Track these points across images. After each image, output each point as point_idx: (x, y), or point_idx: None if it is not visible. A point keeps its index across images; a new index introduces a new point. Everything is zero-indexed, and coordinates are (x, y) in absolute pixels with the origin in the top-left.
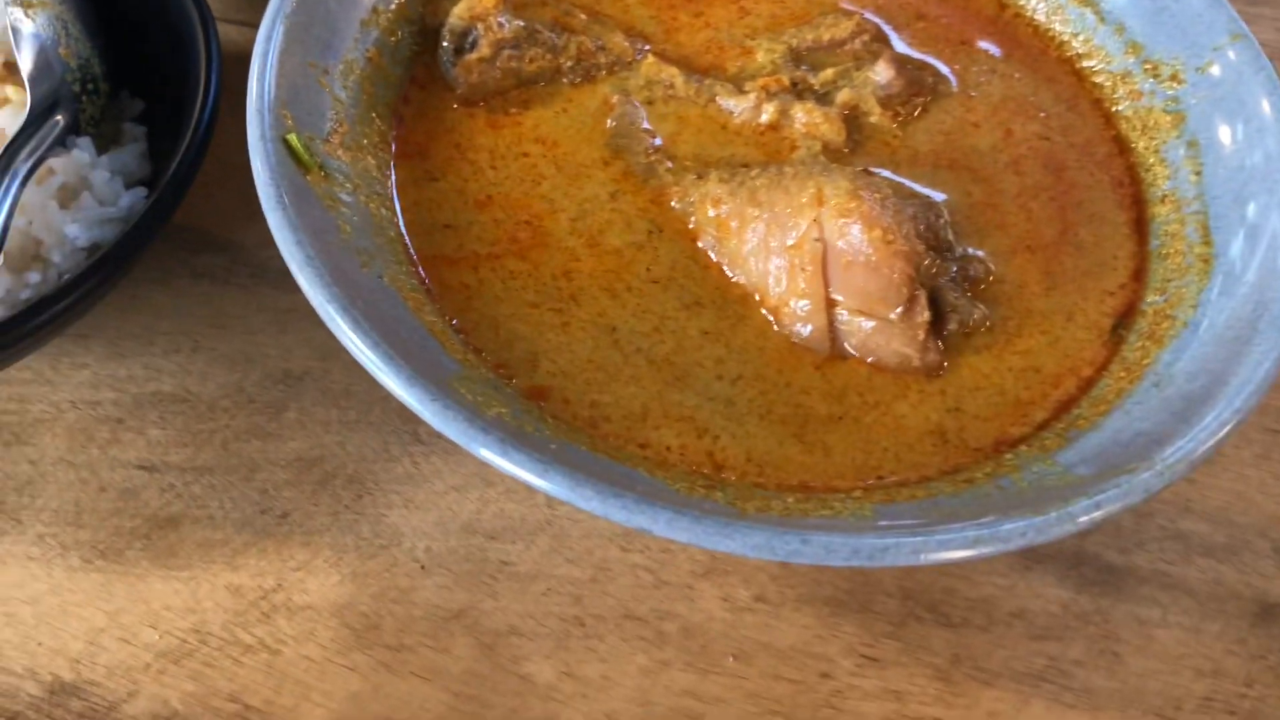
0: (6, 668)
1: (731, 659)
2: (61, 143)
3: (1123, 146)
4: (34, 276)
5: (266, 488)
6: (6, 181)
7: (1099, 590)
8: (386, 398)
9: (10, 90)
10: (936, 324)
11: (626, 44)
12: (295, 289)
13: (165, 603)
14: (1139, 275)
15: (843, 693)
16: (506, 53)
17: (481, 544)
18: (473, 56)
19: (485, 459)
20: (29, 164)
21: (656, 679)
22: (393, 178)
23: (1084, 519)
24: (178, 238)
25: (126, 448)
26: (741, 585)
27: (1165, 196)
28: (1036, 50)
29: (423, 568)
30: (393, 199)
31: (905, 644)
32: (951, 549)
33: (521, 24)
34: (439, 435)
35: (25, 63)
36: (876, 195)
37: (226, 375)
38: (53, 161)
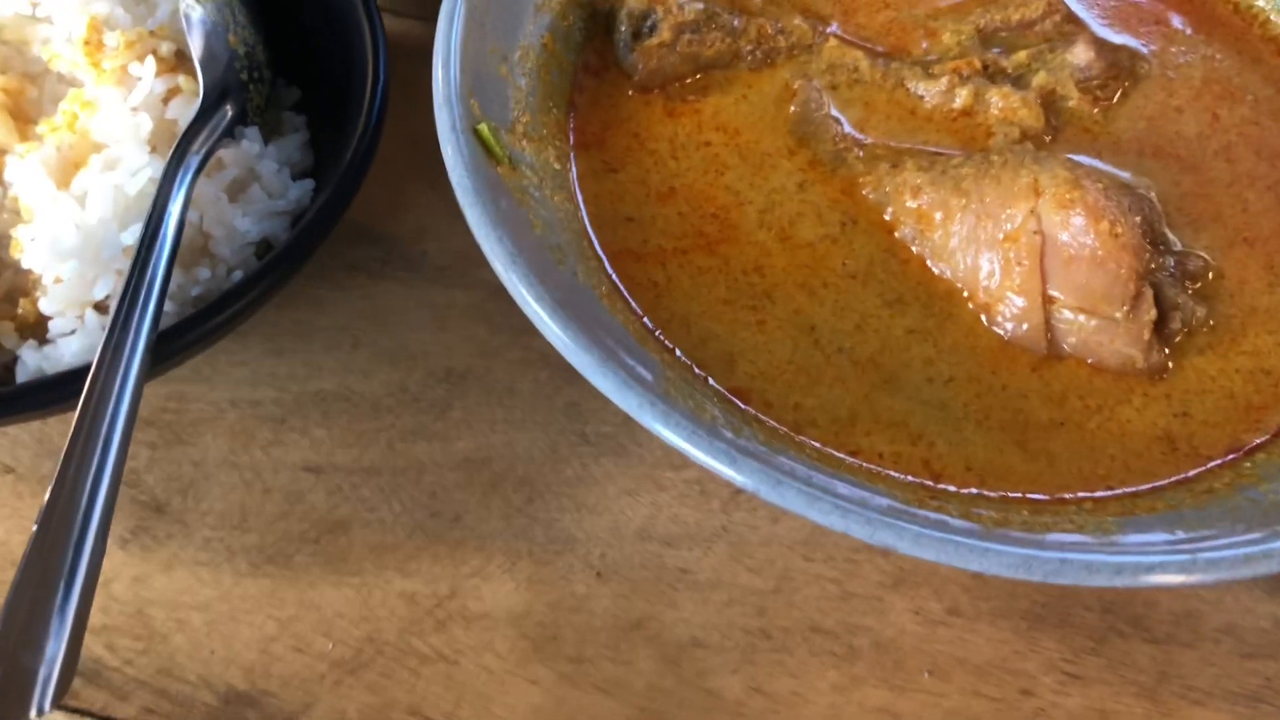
0: (180, 676)
1: (927, 675)
2: (230, 133)
3: None
4: (204, 272)
5: (436, 490)
6: (180, 174)
7: None
8: (552, 396)
9: (182, 79)
10: (1158, 324)
11: (806, 26)
12: (452, 285)
13: (337, 610)
14: None
15: (1045, 711)
16: (687, 36)
17: (658, 550)
18: (653, 41)
19: (713, 469)
20: (201, 156)
21: (849, 696)
22: (573, 169)
23: None
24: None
25: (290, 448)
26: (933, 597)
27: None
28: (1239, 29)
29: (599, 575)
30: (575, 191)
31: (1108, 660)
32: (1221, 569)
33: (701, 6)
34: (607, 436)
35: (197, 49)
36: (1099, 185)
37: (389, 373)
38: (223, 153)
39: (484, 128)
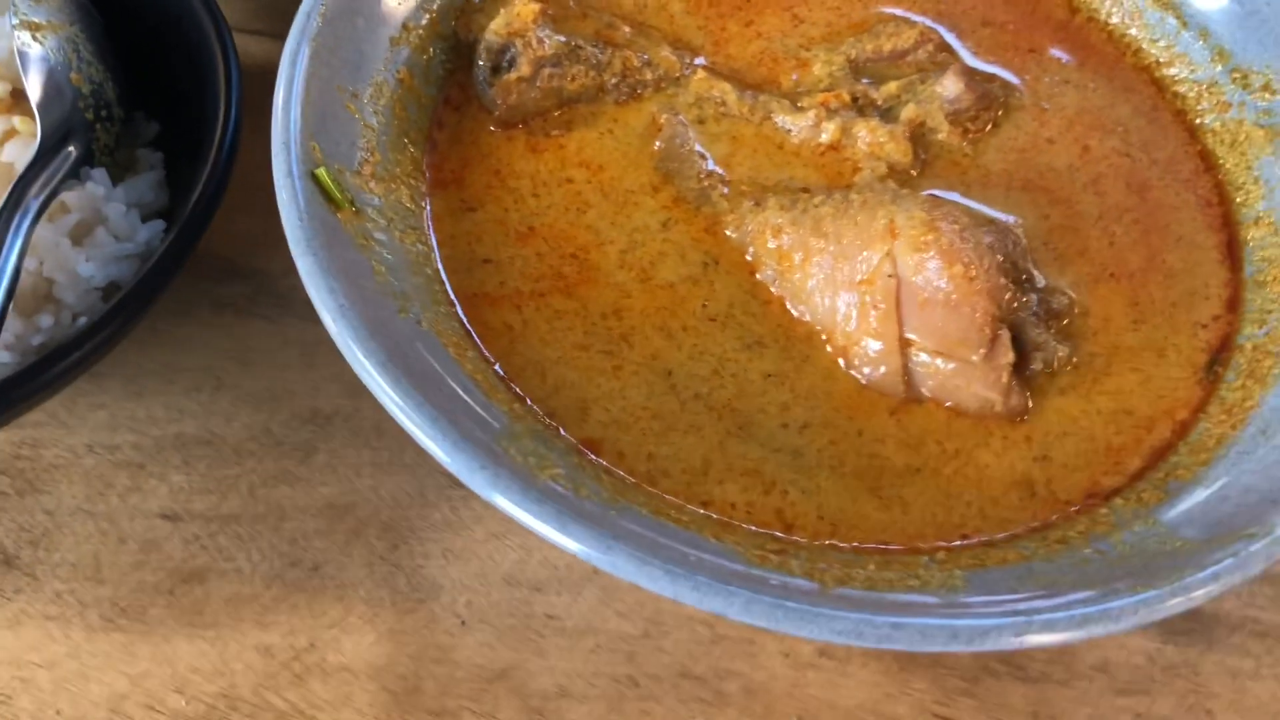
0: None
1: None
2: (74, 175)
3: (1210, 163)
4: (46, 320)
5: (296, 537)
6: (17, 219)
7: (1186, 639)
8: None
9: (18, 120)
10: (1019, 364)
11: (674, 58)
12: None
13: (192, 665)
14: (1234, 305)
15: None
16: (547, 71)
17: (526, 596)
18: (511, 76)
19: (541, 534)
20: (40, 200)
21: None
22: (428, 209)
23: (1199, 593)
24: (197, 267)
25: (148, 495)
26: (804, 640)
27: (1260, 218)
28: (1112, 58)
29: (464, 623)
30: (428, 233)
31: (981, 701)
32: (1056, 630)
33: (563, 39)
34: None
35: (34, 90)
36: (955, 226)
37: (252, 415)
38: (65, 196)
39: (322, 172)
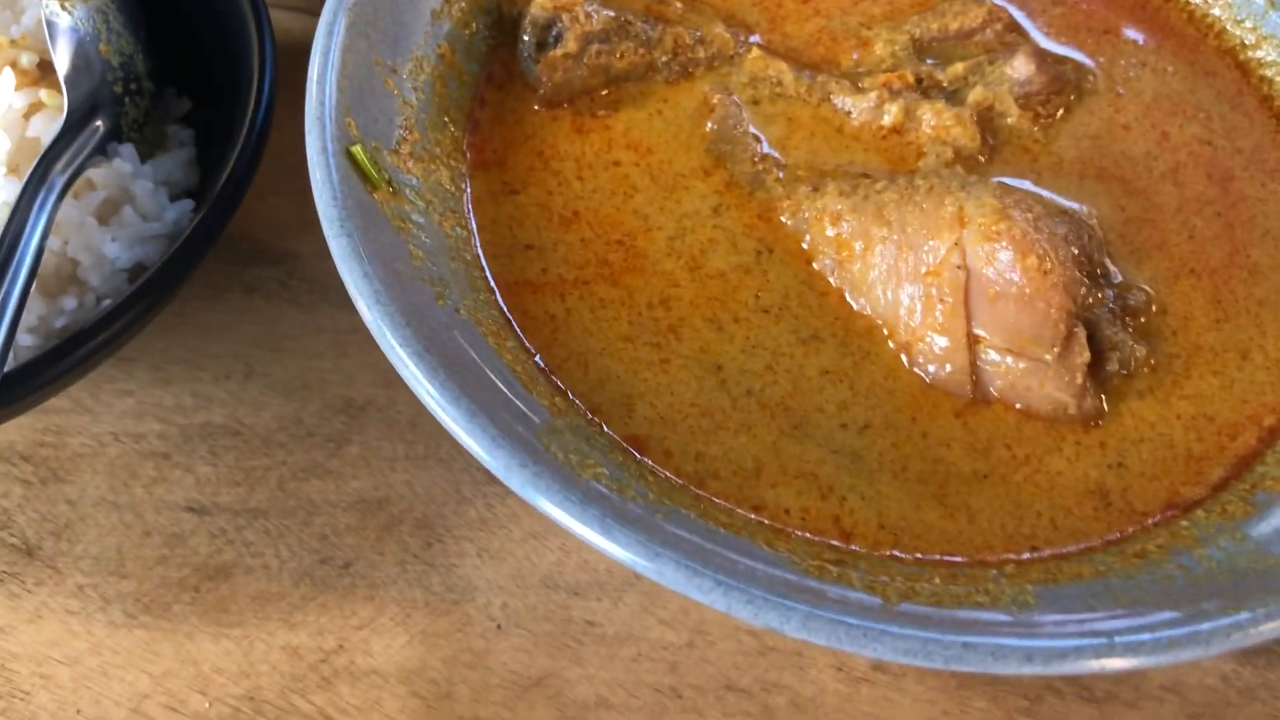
0: None
1: None
2: (102, 151)
3: None
4: (70, 302)
5: (327, 533)
6: (41, 196)
7: (1265, 660)
8: None
9: (45, 94)
10: (1094, 365)
11: (728, 35)
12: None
13: (216, 665)
14: None
15: None
16: (595, 47)
17: (564, 601)
18: (558, 52)
19: (584, 538)
20: (66, 176)
21: None
22: (468, 191)
23: None
24: (228, 249)
25: (173, 487)
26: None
27: None
28: (1192, 39)
29: (499, 627)
30: (468, 216)
31: None
32: (1140, 654)
33: (611, 14)
34: None
35: (62, 62)
36: (1028, 215)
37: (282, 405)
38: (92, 173)
39: (358, 149)
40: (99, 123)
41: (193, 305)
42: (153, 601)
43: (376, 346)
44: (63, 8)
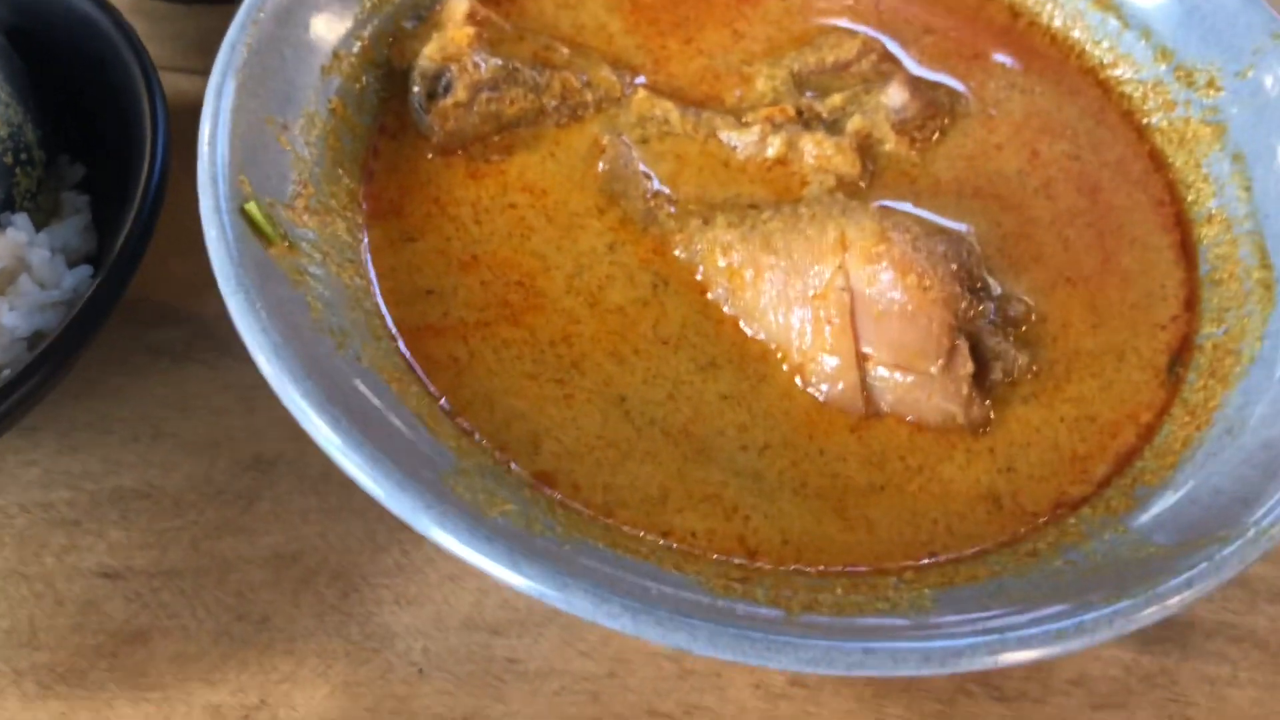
0: None
1: None
2: None
3: (1159, 162)
4: None
5: (242, 590)
6: None
7: (1162, 648)
8: None
9: None
10: (979, 374)
11: (614, 78)
12: None
13: None
14: (1191, 304)
15: None
16: (485, 95)
17: (484, 640)
18: (448, 101)
19: (492, 574)
20: None
21: None
22: (365, 241)
23: (1174, 600)
24: (130, 312)
25: (85, 553)
26: (775, 670)
27: (1212, 215)
28: (1056, 60)
29: (420, 672)
30: (367, 265)
31: None
32: (1032, 647)
33: (499, 62)
34: None
35: None
36: (906, 235)
37: (193, 464)
38: None
39: (252, 207)
40: None
41: (97, 370)
42: (68, 670)
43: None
44: None
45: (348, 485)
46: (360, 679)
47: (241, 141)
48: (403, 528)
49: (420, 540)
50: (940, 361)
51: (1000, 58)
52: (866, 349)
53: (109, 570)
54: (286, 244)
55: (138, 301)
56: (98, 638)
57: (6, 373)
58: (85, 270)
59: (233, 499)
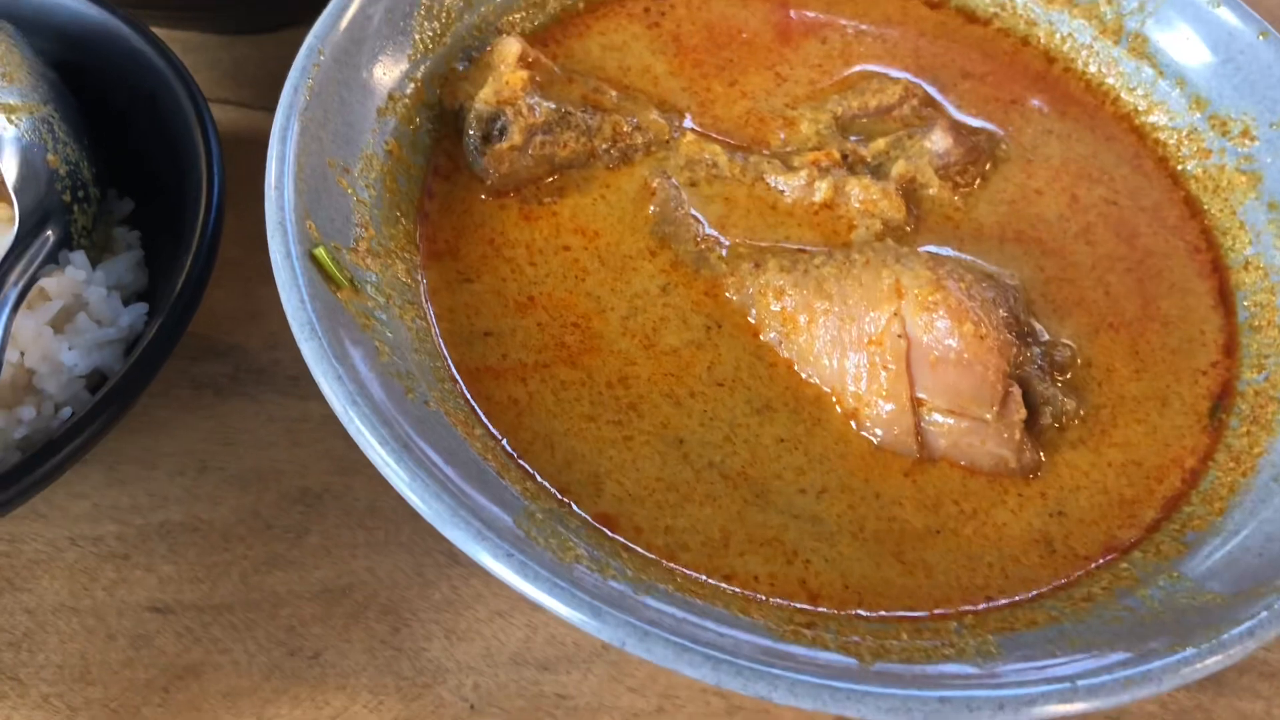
0: None
1: None
2: (53, 259)
3: (1195, 209)
4: (28, 412)
5: (293, 624)
6: None
7: (1197, 684)
8: (416, 514)
9: None
10: (1030, 419)
11: (662, 121)
12: (306, 396)
13: None
14: (1230, 350)
15: None
16: (539, 139)
17: (534, 676)
18: (504, 145)
19: (576, 623)
20: (19, 288)
21: None
22: (424, 283)
23: (1237, 650)
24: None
25: (135, 587)
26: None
27: (1249, 263)
28: (1091, 106)
29: (472, 708)
30: (426, 307)
31: None
32: (1101, 695)
33: (553, 106)
34: None
35: (9, 173)
36: (961, 284)
37: (239, 498)
38: (44, 282)
39: (321, 251)
40: (49, 232)
41: (143, 404)
42: (121, 706)
43: (329, 434)
44: (9, 120)
45: (395, 519)
46: (412, 714)
47: (307, 185)
48: (451, 562)
49: (468, 575)
50: (995, 408)
51: (1036, 103)
52: (921, 394)
53: (159, 605)
54: (353, 288)
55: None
56: (150, 673)
57: (68, 411)
58: (141, 308)
59: (281, 533)
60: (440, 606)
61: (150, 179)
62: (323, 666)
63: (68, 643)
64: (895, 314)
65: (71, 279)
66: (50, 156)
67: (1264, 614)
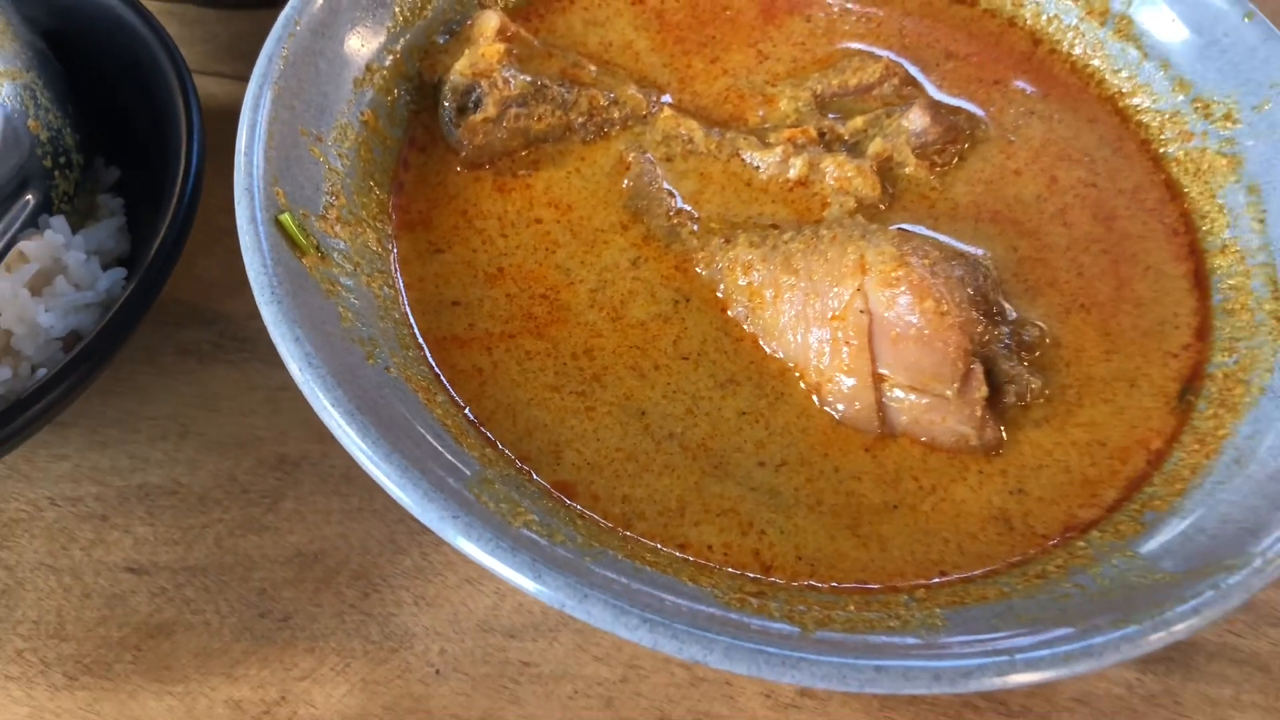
0: None
1: None
2: (33, 223)
3: (1175, 192)
4: (4, 372)
5: (265, 588)
6: None
7: (1165, 669)
8: None
9: None
10: (993, 397)
11: (640, 96)
12: None
13: None
14: (1203, 334)
15: None
16: (514, 111)
17: (500, 643)
18: (478, 117)
19: (515, 583)
20: None
21: None
22: (394, 252)
23: (1180, 627)
24: (160, 312)
25: (112, 548)
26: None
27: (1225, 246)
28: (1075, 88)
29: (437, 672)
30: (395, 276)
31: None
32: (1040, 669)
33: (528, 79)
34: None
35: None
36: (925, 260)
37: (218, 463)
38: (23, 245)
39: (287, 218)
40: (29, 196)
41: (127, 369)
42: (94, 662)
43: (309, 403)
44: None
45: (369, 487)
46: (378, 678)
47: (277, 153)
48: (423, 531)
49: (439, 543)
50: (955, 385)
51: (1020, 84)
52: (883, 370)
53: (135, 565)
54: (319, 254)
55: (166, 302)
56: (123, 631)
57: (43, 372)
58: (119, 272)
59: (257, 498)
60: (410, 573)
61: (139, 149)
62: (292, 629)
63: (44, 600)
64: (858, 289)
65: (50, 243)
66: (31, 122)
67: (1209, 593)
